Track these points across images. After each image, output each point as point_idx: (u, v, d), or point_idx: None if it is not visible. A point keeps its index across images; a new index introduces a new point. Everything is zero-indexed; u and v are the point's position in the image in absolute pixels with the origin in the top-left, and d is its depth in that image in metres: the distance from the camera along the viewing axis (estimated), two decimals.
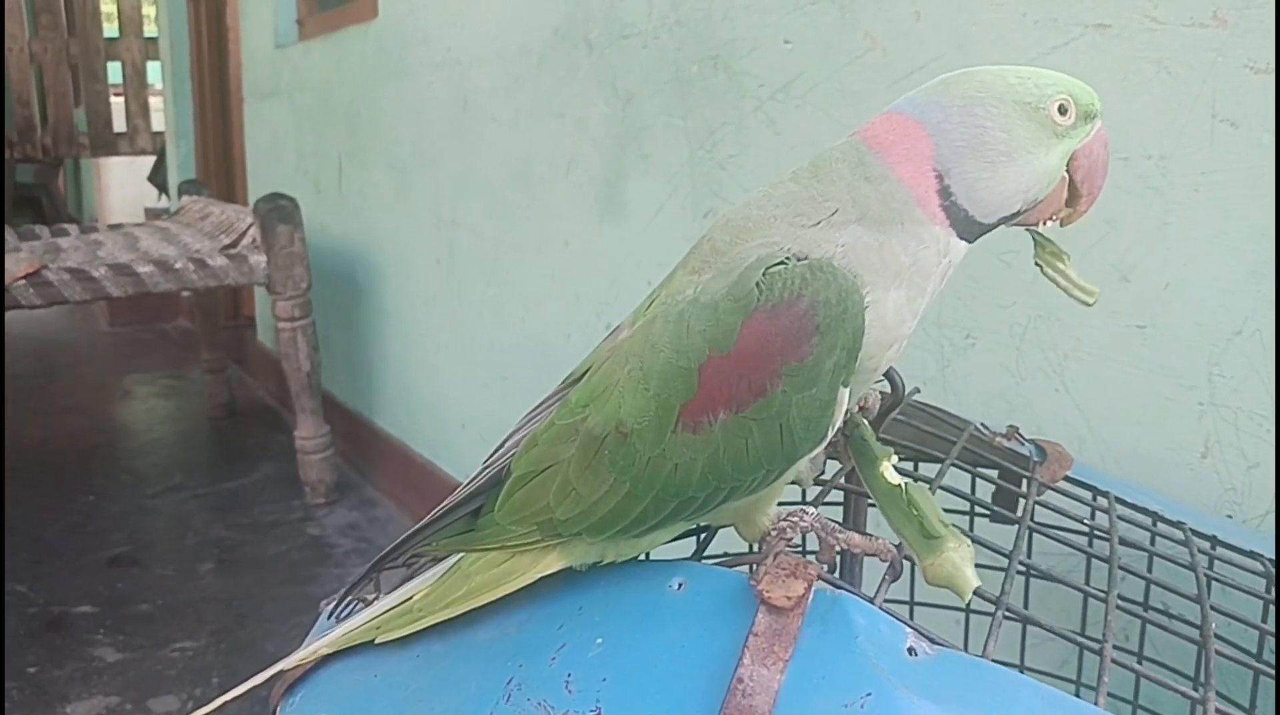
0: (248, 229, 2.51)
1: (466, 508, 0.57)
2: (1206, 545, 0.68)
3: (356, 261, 2.77)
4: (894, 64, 1.16)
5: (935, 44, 1.11)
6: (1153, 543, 0.65)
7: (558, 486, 0.52)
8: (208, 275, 2.36)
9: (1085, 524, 0.61)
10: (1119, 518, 0.62)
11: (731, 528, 0.55)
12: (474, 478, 0.58)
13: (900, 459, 0.66)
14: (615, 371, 0.52)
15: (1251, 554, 0.66)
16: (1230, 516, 0.88)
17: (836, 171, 0.51)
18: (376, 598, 0.61)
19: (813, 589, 0.44)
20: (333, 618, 0.62)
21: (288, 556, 2.34)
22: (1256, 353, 0.87)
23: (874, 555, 0.49)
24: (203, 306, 3.35)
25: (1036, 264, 0.56)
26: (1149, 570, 0.63)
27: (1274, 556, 0.67)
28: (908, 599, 0.80)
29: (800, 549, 0.59)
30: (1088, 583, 0.68)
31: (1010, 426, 0.73)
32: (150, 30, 4.95)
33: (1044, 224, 0.53)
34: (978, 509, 0.69)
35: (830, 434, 0.49)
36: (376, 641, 0.57)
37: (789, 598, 0.43)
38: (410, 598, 0.57)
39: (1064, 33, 0.99)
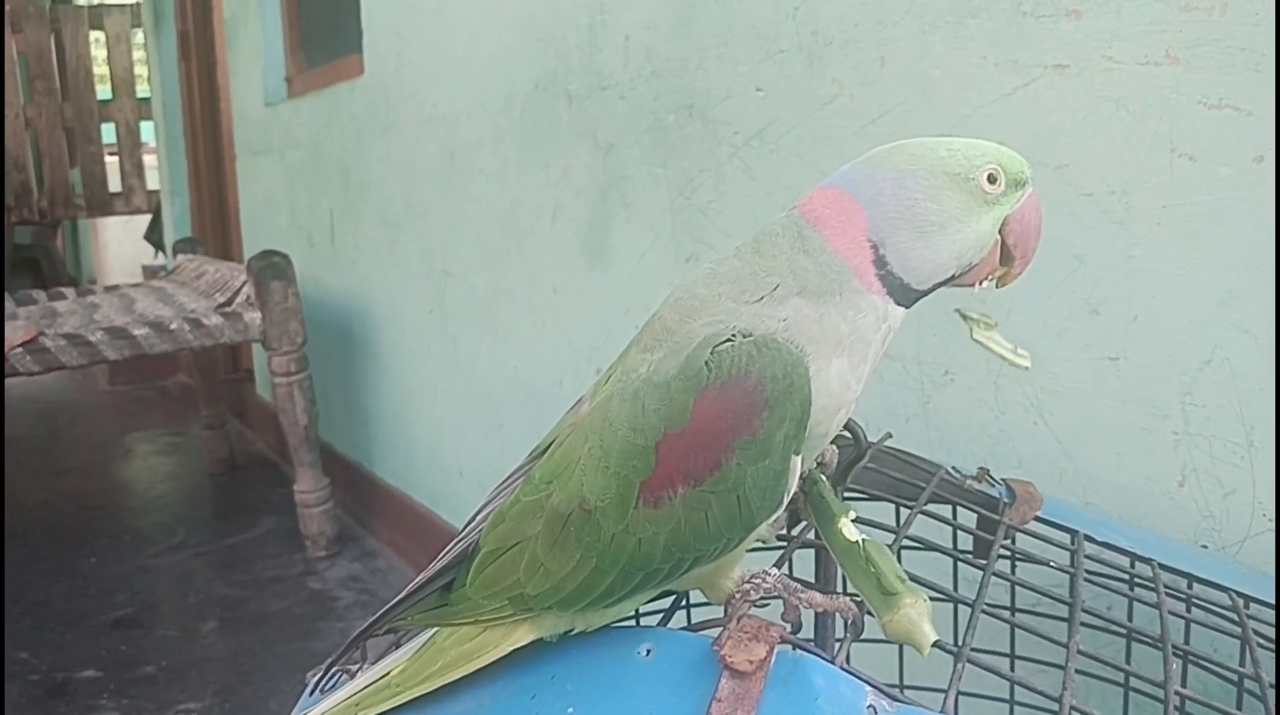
0: (242, 286, 2.53)
1: (439, 581, 0.58)
2: (1182, 582, 0.69)
3: (352, 314, 2.80)
4: (862, 109, 1.18)
5: (900, 89, 1.13)
6: (1131, 586, 0.66)
7: (527, 562, 0.54)
8: (203, 335, 2.38)
9: (1052, 566, 0.62)
10: (1088, 556, 0.63)
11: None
12: (445, 552, 0.59)
13: (859, 512, 0.68)
14: (576, 449, 0.53)
15: (1224, 588, 0.67)
16: (1206, 546, 0.89)
17: (777, 246, 0.53)
18: (361, 668, 0.62)
19: (775, 652, 0.45)
20: (317, 691, 0.63)
21: (290, 612, 2.34)
22: (1227, 381, 0.88)
23: (836, 612, 0.50)
24: (200, 364, 3.37)
25: (974, 339, 0.58)
26: (1129, 616, 0.64)
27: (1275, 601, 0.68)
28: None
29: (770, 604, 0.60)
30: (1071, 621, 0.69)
31: (981, 468, 0.74)
32: (143, 91, 5.01)
33: (979, 285, 0.55)
34: (947, 554, 0.69)
35: (786, 501, 0.50)
36: None
37: (751, 662, 0.44)
38: (388, 673, 0.58)
39: (1024, 74, 1.01)
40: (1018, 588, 0.67)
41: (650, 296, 1.58)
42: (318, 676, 0.64)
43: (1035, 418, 1.04)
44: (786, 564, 0.58)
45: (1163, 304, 0.92)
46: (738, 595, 0.52)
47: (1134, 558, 0.68)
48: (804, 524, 0.62)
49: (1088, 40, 0.96)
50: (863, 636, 0.51)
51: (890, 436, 0.78)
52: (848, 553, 0.53)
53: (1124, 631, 0.57)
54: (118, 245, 6.01)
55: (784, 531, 0.62)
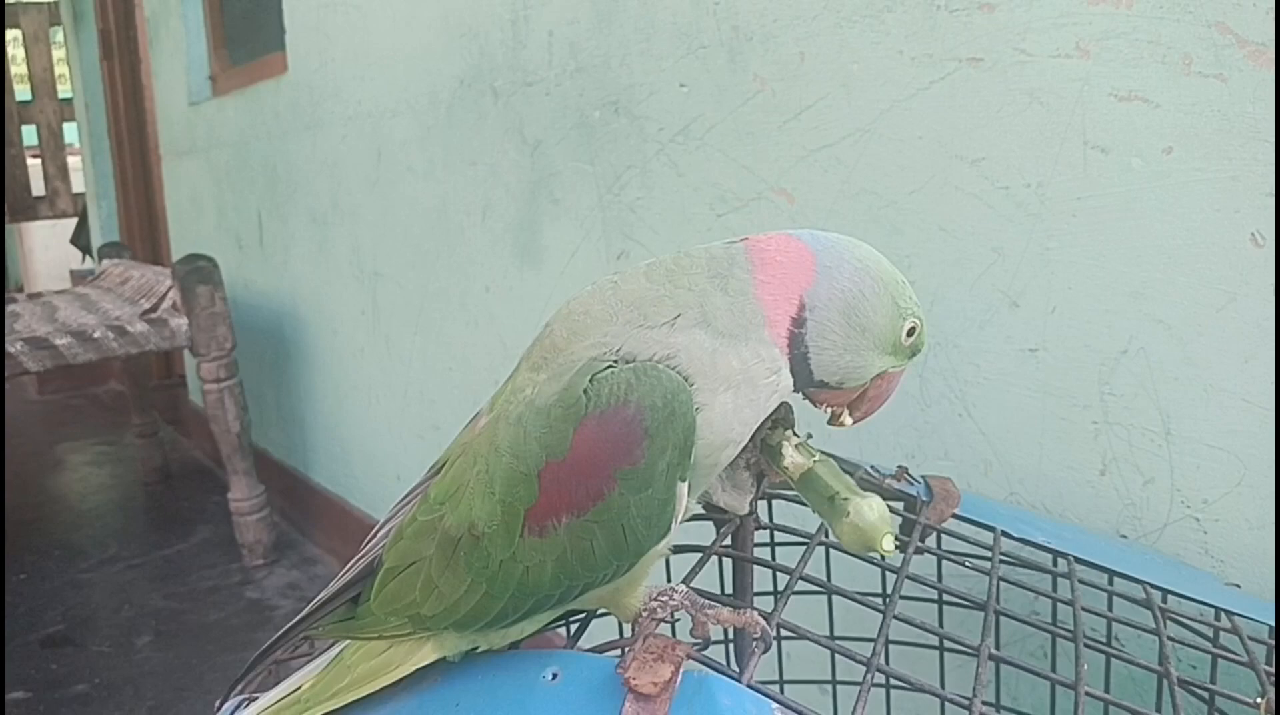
0: (167, 292, 2.47)
1: (347, 594, 0.56)
2: (1100, 577, 0.69)
3: (283, 317, 2.75)
4: (784, 104, 1.18)
5: (821, 83, 1.13)
6: (1053, 585, 0.66)
7: (422, 583, 0.52)
8: (128, 343, 2.32)
9: (968, 566, 0.62)
10: (1005, 554, 0.63)
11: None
12: (351, 564, 0.57)
13: (777, 515, 0.67)
14: (466, 471, 0.52)
15: (1139, 581, 0.67)
16: (1125, 536, 0.90)
17: (693, 277, 0.53)
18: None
19: (681, 672, 0.44)
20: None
21: (227, 623, 2.30)
22: (1143, 371, 0.89)
23: (744, 628, 0.50)
24: (130, 371, 3.29)
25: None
26: (1053, 616, 0.64)
27: (1275, 624, 0.68)
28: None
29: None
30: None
31: (900, 467, 0.74)
32: (65, 91, 4.87)
33: (821, 407, 0.58)
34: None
35: (675, 527, 0.50)
36: None
37: (655, 684, 0.43)
38: (299, 687, 0.57)
39: (939, 68, 1.01)
40: (928, 593, 0.67)
41: None
42: (223, 702, 0.62)
43: (960, 410, 1.04)
44: (696, 577, 0.57)
45: (1079, 295, 0.93)
46: (644, 614, 0.51)
47: (1053, 553, 0.68)
48: (722, 530, 0.62)
49: (1000, 33, 0.96)
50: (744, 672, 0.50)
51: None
52: (801, 480, 0.55)
53: (1042, 628, 0.57)
54: (44, 250, 5.85)
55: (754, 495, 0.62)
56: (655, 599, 0.52)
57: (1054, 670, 0.52)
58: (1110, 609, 0.66)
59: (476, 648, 0.53)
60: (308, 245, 2.52)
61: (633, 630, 0.52)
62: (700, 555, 0.59)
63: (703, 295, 0.51)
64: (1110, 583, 0.70)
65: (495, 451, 0.51)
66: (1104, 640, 0.60)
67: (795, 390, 0.54)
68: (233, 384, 2.48)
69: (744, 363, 0.50)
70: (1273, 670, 0.59)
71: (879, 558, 0.61)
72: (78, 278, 5.13)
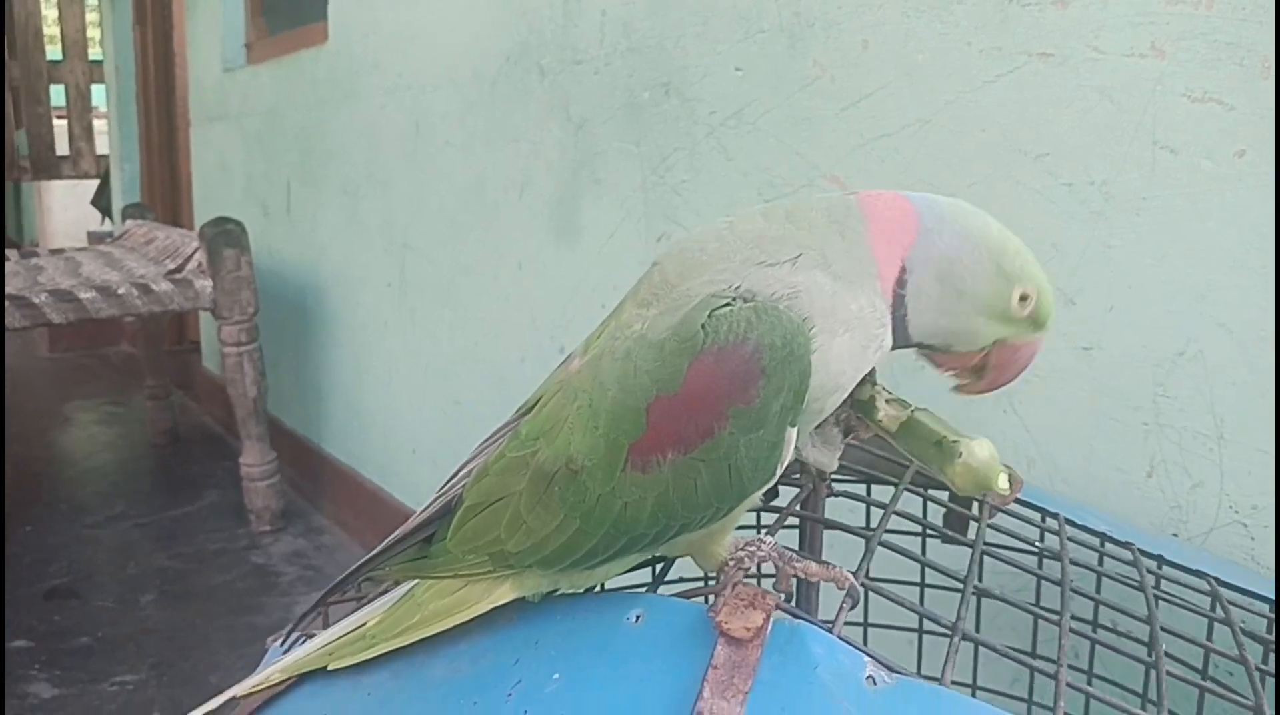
0: (193, 253, 2.47)
1: (419, 535, 0.56)
2: (1153, 565, 0.69)
3: (306, 286, 2.74)
4: (843, 91, 1.18)
5: (882, 72, 1.13)
6: (1101, 563, 0.66)
7: (509, 519, 0.52)
8: (152, 301, 2.32)
9: (1035, 546, 0.62)
10: (1068, 539, 0.63)
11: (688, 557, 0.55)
12: (427, 506, 0.57)
13: (851, 483, 0.67)
14: (565, 406, 0.51)
15: (1198, 573, 0.67)
16: (1176, 535, 0.90)
17: (812, 219, 0.52)
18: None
19: (771, 619, 0.44)
20: (282, 651, 0.61)
21: (232, 586, 2.29)
22: (1200, 374, 0.89)
23: (831, 582, 0.49)
24: (147, 332, 3.29)
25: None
26: (1098, 590, 0.64)
27: (1274, 597, 0.68)
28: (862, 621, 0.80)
29: (757, 577, 0.59)
30: (1038, 603, 0.69)
31: None
32: (95, 54, 4.87)
33: (941, 372, 0.57)
34: (931, 533, 0.69)
35: (779, 472, 0.49)
36: (329, 668, 0.55)
37: (748, 629, 0.42)
38: (364, 624, 0.56)
39: (1009, 61, 1.01)
40: (1003, 570, 0.67)
41: (619, 274, 1.56)
42: (281, 639, 0.61)
43: (1005, 405, 1.04)
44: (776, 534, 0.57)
45: (1139, 295, 0.93)
46: (731, 562, 0.51)
47: (1113, 542, 0.68)
48: (796, 492, 0.61)
49: (1074, 29, 0.96)
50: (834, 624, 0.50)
51: None
52: (900, 431, 0.54)
53: (1112, 608, 0.56)
54: (62, 210, 5.85)
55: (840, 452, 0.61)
56: (743, 549, 0.51)
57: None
58: (1161, 592, 0.65)
59: (556, 590, 0.53)
60: (337, 215, 2.52)
61: (716, 580, 0.51)
62: (779, 515, 0.59)
63: (823, 238, 0.51)
64: (1159, 568, 0.69)
65: (600, 386, 0.50)
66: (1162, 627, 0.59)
67: (892, 348, 0.53)
68: (252, 349, 2.48)
69: (860, 309, 0.50)
70: None
71: (982, 504, 0.61)
72: (95, 239, 5.13)
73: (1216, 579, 0.65)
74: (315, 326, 2.72)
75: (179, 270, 2.43)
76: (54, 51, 4.85)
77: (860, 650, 0.44)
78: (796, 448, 0.50)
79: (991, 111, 1.03)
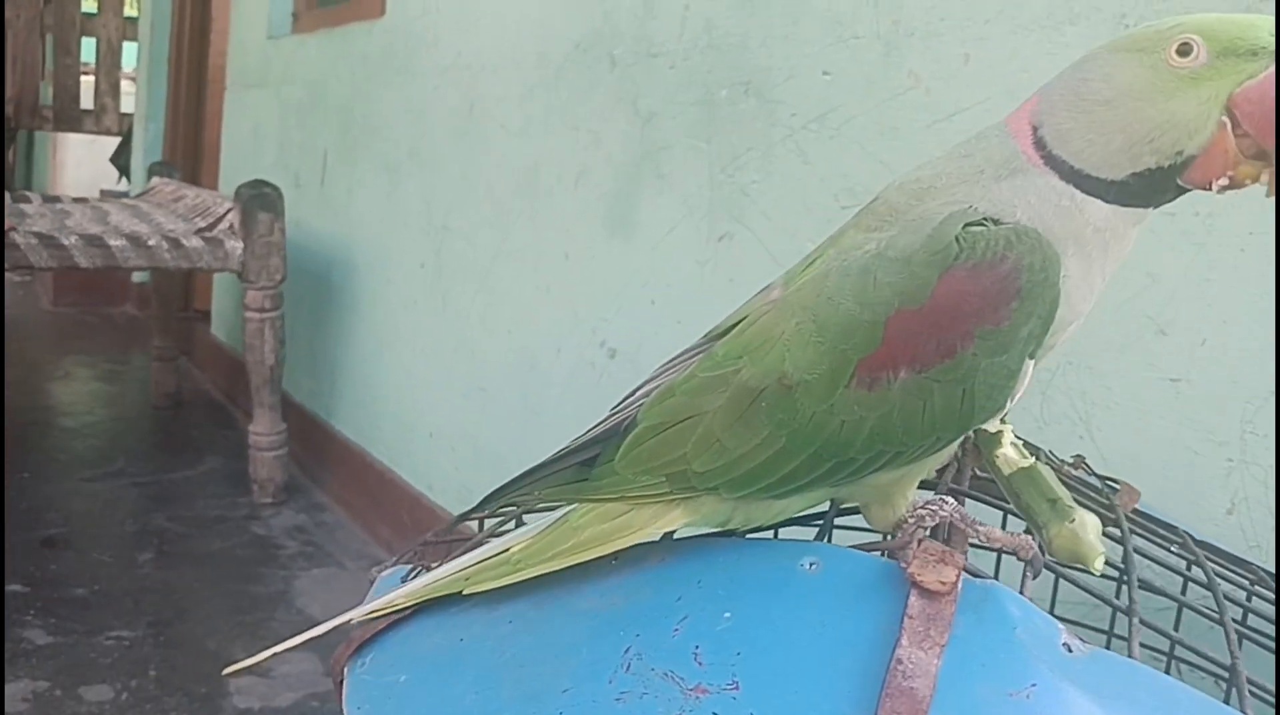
0: (225, 214, 2.45)
1: (578, 457, 0.54)
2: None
3: (333, 260, 2.72)
4: (937, 103, 1.17)
5: (982, 88, 1.12)
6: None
7: (698, 437, 0.50)
8: (181, 256, 2.29)
9: (1175, 553, 0.60)
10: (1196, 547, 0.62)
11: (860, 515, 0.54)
12: (590, 430, 0.55)
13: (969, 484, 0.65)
14: (778, 324, 0.50)
15: None
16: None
17: (977, 141, 0.52)
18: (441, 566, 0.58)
19: (961, 577, 0.42)
20: (400, 581, 0.58)
21: (232, 553, 2.26)
22: None
23: (1013, 552, 0.48)
24: (161, 292, 3.26)
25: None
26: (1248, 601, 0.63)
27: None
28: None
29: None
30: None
31: (1077, 456, 0.73)
32: (130, 10, 4.85)
33: (1214, 187, 0.47)
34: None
35: (1010, 405, 0.48)
36: (465, 592, 0.53)
37: (942, 583, 0.41)
38: (508, 549, 0.54)
39: None
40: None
41: (673, 272, 1.54)
42: (387, 571, 0.59)
43: (1082, 431, 1.03)
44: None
45: (1234, 330, 0.92)
46: (911, 520, 0.49)
47: (1232, 559, 0.67)
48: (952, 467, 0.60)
49: None
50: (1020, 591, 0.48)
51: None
52: (1017, 475, 0.52)
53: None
54: (76, 165, 5.81)
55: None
56: (925, 507, 0.50)
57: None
58: None
59: (729, 522, 0.51)
60: (374, 191, 2.50)
61: (892, 537, 0.50)
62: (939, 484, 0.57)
63: (985, 149, 0.51)
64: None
65: (828, 300, 0.48)
66: None
67: (1119, 203, 0.48)
68: (275, 317, 2.45)
69: (1054, 209, 0.48)
70: None
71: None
72: (109, 196, 5.09)
73: None
74: (338, 301, 2.69)
75: (210, 228, 2.41)
76: (89, 4, 4.83)
77: (1054, 617, 0.42)
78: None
79: None
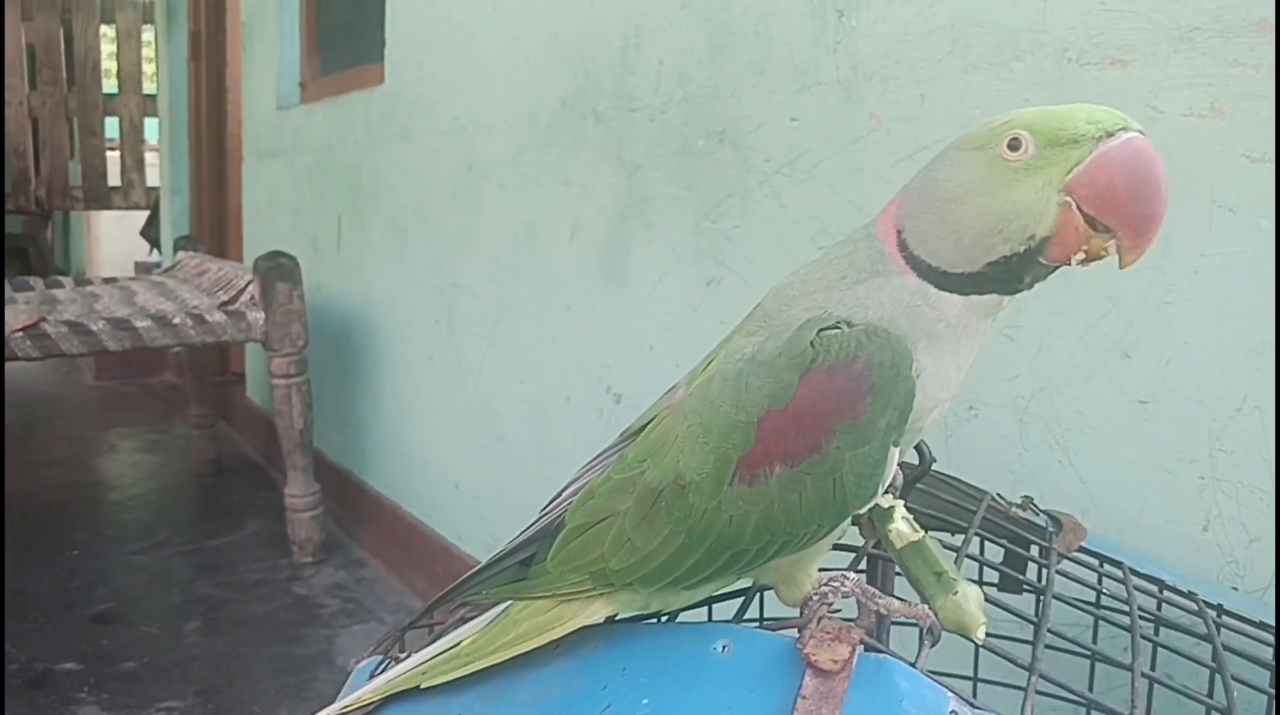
0: (246, 286, 2.53)
1: (517, 556, 0.58)
2: (1215, 615, 0.70)
3: (352, 321, 2.79)
4: (899, 143, 1.20)
5: (939, 126, 1.15)
6: (1159, 609, 0.67)
7: (613, 537, 0.54)
8: (205, 331, 2.37)
9: (1105, 595, 0.63)
10: (1134, 588, 0.64)
11: (771, 593, 0.57)
12: (526, 529, 0.59)
13: (925, 529, 0.68)
14: (674, 427, 0.54)
15: (1260, 624, 0.68)
16: (1236, 589, 0.90)
17: (850, 238, 0.56)
18: (407, 656, 0.62)
19: (856, 652, 0.45)
20: (369, 675, 0.63)
21: (275, 616, 2.32)
22: (1256, 430, 0.90)
23: (912, 620, 0.51)
24: (194, 362, 3.35)
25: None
26: (1156, 635, 0.65)
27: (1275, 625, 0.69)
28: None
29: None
30: (1095, 648, 0.69)
31: (1025, 497, 0.75)
32: (149, 87, 5.00)
33: (1072, 261, 0.49)
34: (991, 575, 0.70)
35: (880, 491, 0.51)
36: (422, 686, 0.58)
37: (835, 661, 0.44)
38: (459, 643, 0.59)
39: None
40: (1063, 614, 0.68)
41: (667, 317, 1.58)
42: (365, 660, 0.64)
43: (1060, 456, 1.05)
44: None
45: (1196, 350, 0.94)
46: (816, 597, 0.53)
47: (1176, 592, 0.69)
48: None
49: (1132, 90, 0.98)
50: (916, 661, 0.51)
51: (935, 460, 0.79)
52: (907, 549, 0.55)
53: (1198, 663, 0.57)
54: (110, 240, 5.98)
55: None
56: (827, 583, 0.53)
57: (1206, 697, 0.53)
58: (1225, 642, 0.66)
59: (648, 609, 0.55)
60: (385, 253, 2.57)
61: (800, 613, 0.53)
62: (856, 554, 0.60)
63: (852, 250, 0.55)
64: (1219, 617, 0.70)
65: (711, 404, 0.52)
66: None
67: (974, 294, 0.51)
68: (301, 381, 2.52)
69: (895, 296, 0.51)
70: None
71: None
72: (142, 269, 5.24)
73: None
74: (361, 361, 2.76)
75: (232, 302, 2.49)
76: (110, 85, 4.98)
77: (944, 686, 0.45)
78: None
79: None
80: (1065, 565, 0.71)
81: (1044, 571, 0.62)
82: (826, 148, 1.30)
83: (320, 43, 3.18)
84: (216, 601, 2.39)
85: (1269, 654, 0.66)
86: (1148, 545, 0.98)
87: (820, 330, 0.51)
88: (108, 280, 3.16)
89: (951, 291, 0.51)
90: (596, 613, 0.56)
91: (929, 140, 1.17)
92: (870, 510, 0.59)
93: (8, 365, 2.27)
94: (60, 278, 3.09)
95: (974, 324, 0.52)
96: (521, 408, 2.00)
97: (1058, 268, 0.51)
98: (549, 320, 1.89)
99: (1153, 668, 0.70)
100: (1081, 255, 0.49)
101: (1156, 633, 0.65)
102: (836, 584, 0.53)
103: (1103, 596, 0.64)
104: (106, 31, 4.96)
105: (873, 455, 0.49)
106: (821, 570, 0.56)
